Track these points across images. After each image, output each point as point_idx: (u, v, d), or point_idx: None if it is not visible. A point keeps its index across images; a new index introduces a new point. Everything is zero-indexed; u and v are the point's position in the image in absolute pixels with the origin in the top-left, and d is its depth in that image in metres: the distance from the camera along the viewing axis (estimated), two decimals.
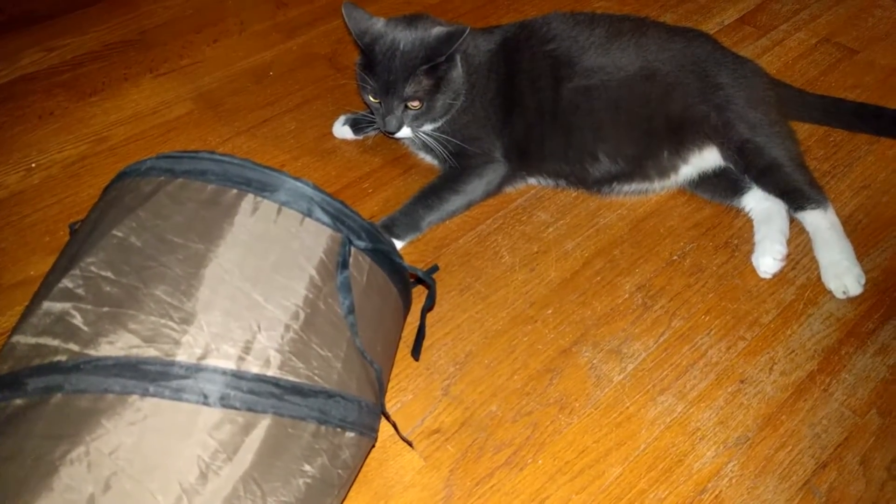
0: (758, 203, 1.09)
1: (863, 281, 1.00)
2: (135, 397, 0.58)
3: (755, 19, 1.51)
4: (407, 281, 0.81)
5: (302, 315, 0.65)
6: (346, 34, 1.43)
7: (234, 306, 0.62)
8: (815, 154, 1.21)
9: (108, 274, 0.63)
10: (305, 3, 1.57)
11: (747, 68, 1.14)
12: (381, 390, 0.74)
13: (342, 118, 1.25)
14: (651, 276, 1.04)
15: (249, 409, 0.60)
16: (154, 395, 0.58)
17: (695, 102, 1.07)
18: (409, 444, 0.84)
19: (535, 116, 1.09)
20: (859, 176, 1.18)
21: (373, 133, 1.23)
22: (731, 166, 1.09)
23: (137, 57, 1.43)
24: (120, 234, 0.65)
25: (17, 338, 0.62)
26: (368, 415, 0.71)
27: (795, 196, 1.05)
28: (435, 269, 0.97)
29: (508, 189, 1.15)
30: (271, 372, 0.62)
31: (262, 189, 0.67)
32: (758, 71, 1.16)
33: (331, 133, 1.26)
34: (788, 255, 1.04)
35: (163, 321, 0.60)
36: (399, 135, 1.07)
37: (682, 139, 1.07)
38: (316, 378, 0.65)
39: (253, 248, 0.65)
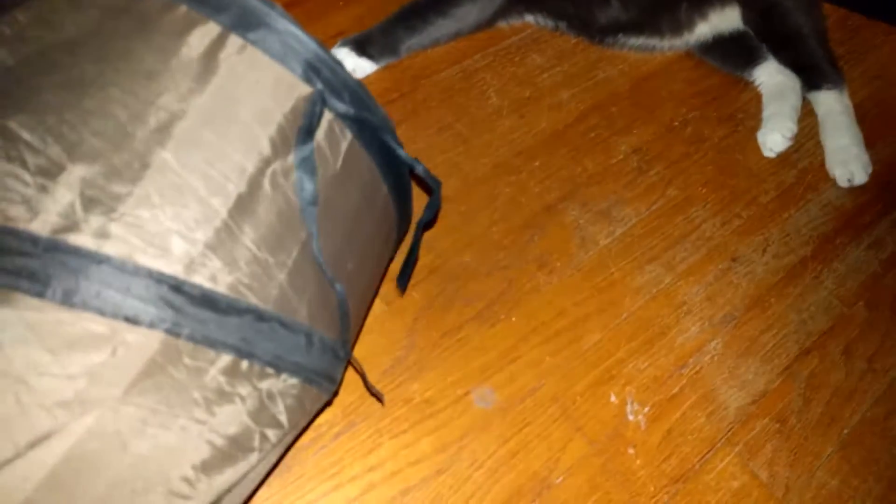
0: (770, 77, 0.99)
1: (869, 170, 0.93)
2: None
3: None
4: (405, 178, 0.58)
5: (234, 193, 0.44)
6: None
7: (126, 161, 0.41)
8: (831, 37, 1.10)
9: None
10: None
11: None
12: (346, 325, 0.52)
13: None
14: (649, 139, 0.94)
15: (127, 320, 0.40)
16: None
17: None
18: (380, 399, 0.68)
19: None
20: (873, 65, 1.09)
21: None
22: (751, 31, 0.98)
23: None
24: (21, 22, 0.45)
25: None
26: (323, 355, 0.50)
27: (813, 73, 0.96)
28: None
29: (502, 24, 1.00)
30: (170, 268, 0.41)
31: (201, 4, 0.45)
32: None
33: None
34: (796, 136, 0.96)
35: (9, 168, 0.40)
36: None
37: None
38: (242, 288, 0.44)
39: (171, 82, 0.44)
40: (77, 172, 0.41)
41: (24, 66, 0.44)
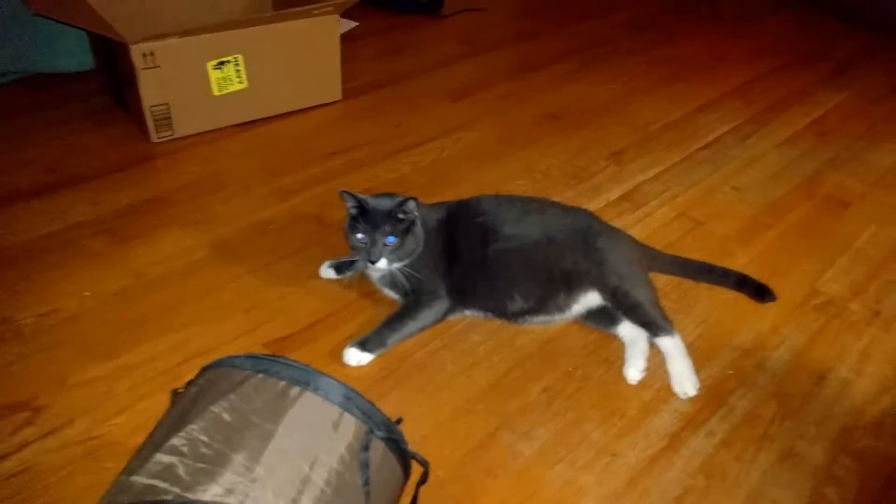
0: (627, 331, 1.54)
1: (698, 386, 1.43)
2: None
3: (632, 197, 2.05)
4: (408, 460, 1.04)
5: (333, 482, 0.87)
6: (330, 198, 1.89)
7: (288, 472, 0.85)
8: (670, 297, 1.68)
9: (205, 439, 0.85)
10: (296, 173, 2.04)
11: (618, 236, 1.64)
12: None
13: (327, 263, 1.67)
14: (553, 382, 1.45)
15: None
16: None
17: (580, 260, 1.53)
18: None
19: (469, 267, 1.53)
20: (700, 314, 1.65)
21: (350, 274, 1.65)
22: (608, 304, 1.54)
23: (166, 211, 1.84)
24: (216, 410, 0.88)
25: (134, 477, 0.83)
26: None
27: (652, 327, 1.50)
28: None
29: (451, 318, 1.57)
30: None
31: (317, 390, 0.92)
32: (626, 237, 1.66)
33: (318, 274, 1.67)
34: (648, 368, 1.47)
35: (239, 479, 0.82)
36: (378, 265, 1.46)
37: (572, 285, 1.53)
38: None
39: (305, 430, 0.89)
40: (268, 480, 0.81)
41: (239, 423, 0.86)
